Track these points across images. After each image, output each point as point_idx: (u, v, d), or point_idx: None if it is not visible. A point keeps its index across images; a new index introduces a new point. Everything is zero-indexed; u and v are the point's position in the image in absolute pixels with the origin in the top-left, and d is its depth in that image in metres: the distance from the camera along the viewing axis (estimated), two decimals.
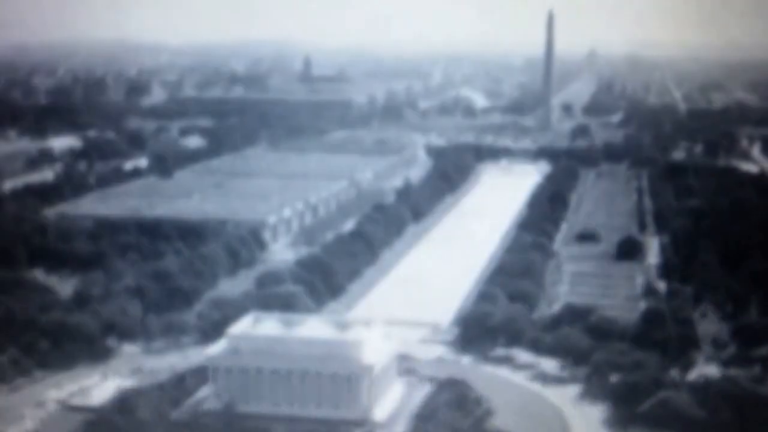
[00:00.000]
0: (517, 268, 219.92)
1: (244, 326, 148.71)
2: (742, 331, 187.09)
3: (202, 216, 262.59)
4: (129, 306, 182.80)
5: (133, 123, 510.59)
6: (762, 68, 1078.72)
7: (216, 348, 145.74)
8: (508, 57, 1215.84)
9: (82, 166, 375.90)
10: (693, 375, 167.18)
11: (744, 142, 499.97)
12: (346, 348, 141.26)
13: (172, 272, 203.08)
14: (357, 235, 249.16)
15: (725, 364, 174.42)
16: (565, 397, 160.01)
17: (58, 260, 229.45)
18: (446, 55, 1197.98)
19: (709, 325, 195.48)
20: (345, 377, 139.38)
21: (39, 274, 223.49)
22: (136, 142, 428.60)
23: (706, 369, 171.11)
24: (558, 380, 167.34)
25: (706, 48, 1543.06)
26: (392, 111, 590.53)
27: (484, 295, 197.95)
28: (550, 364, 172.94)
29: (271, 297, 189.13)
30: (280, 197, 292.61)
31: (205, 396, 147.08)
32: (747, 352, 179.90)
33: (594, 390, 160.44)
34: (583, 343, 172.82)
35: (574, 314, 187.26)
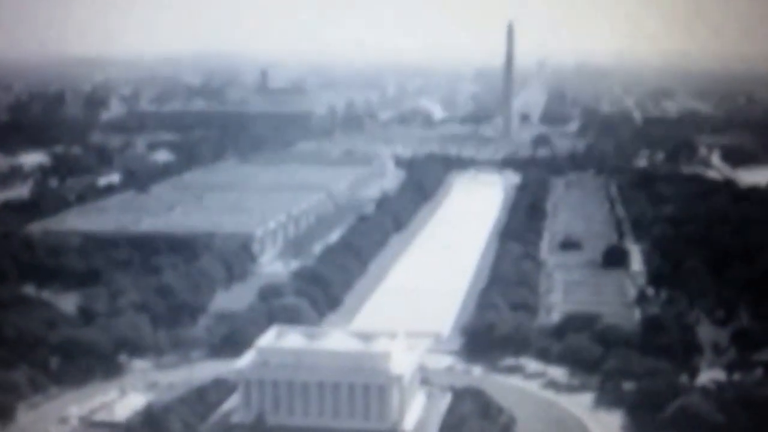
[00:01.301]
0: (513, 278, 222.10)
1: (268, 340, 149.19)
2: (741, 336, 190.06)
3: (190, 230, 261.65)
4: (136, 322, 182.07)
5: (95, 138, 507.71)
6: (708, 76, 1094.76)
7: (244, 361, 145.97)
8: (457, 67, 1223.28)
9: (53, 182, 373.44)
10: (702, 380, 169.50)
11: (703, 150, 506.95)
12: (376, 359, 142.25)
13: (174, 287, 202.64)
14: (347, 246, 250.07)
15: (729, 368, 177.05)
16: (580, 404, 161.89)
17: (50, 276, 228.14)
18: (395, 67, 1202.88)
19: (702, 330, 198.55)
20: (376, 388, 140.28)
21: (29, 290, 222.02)
22: (103, 158, 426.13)
23: (709, 374, 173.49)
24: (569, 388, 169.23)
25: (652, 56, 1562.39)
26: (353, 122, 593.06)
27: (487, 304, 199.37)
28: (558, 373, 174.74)
29: (276, 310, 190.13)
30: (262, 210, 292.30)
31: (232, 409, 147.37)
32: (747, 356, 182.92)
33: (608, 397, 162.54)
34: (592, 351, 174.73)
35: (579, 322, 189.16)
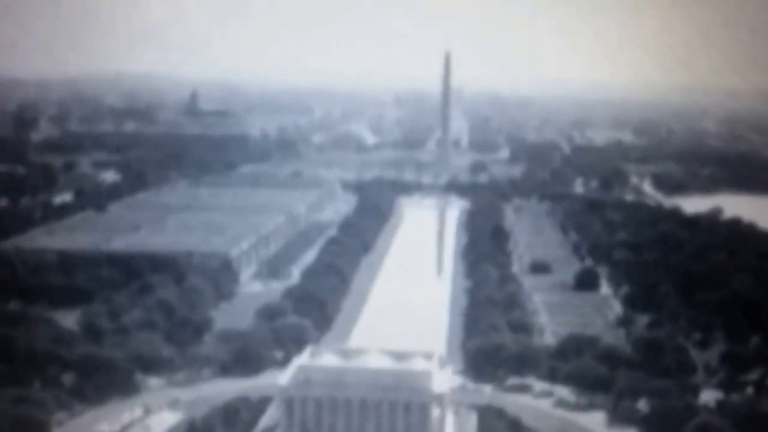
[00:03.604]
0: (499, 299, 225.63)
1: (305, 359, 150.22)
2: (730, 358, 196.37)
3: (168, 249, 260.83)
4: (147, 339, 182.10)
5: (32, 157, 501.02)
6: (625, 106, 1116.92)
7: (284, 379, 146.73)
8: (378, 93, 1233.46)
9: (3, 201, 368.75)
10: (705, 399, 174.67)
11: (634, 178, 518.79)
12: (417, 378, 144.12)
13: (173, 305, 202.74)
14: (328, 267, 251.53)
15: (725, 388, 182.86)
16: (595, 423, 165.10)
17: (35, 293, 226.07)
18: (317, 92, 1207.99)
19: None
20: (417, 406, 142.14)
21: (15, 308, 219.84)
22: (48, 177, 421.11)
23: (705, 394, 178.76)
24: (578, 407, 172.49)
25: (568, 86, 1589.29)
26: (288, 146, 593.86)
27: (487, 325, 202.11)
28: (564, 392, 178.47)
29: (280, 329, 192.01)
30: (231, 231, 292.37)
31: (272, 425, 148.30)
32: (736, 376, 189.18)
33: (621, 416, 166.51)
34: (599, 372, 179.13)
35: (579, 343, 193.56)
